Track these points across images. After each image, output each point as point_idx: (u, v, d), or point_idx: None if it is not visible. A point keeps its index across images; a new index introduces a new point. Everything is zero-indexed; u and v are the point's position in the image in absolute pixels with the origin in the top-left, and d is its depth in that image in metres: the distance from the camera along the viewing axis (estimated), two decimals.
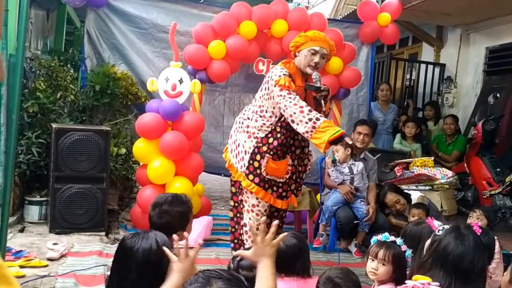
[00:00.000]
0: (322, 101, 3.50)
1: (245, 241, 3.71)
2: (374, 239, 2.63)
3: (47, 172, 4.74)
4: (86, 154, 4.54)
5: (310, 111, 3.29)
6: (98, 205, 4.60)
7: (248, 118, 3.66)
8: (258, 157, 3.54)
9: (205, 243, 4.64)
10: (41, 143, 4.75)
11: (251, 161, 3.55)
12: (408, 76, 8.72)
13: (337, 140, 3.26)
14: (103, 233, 4.60)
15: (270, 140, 3.53)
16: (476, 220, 3.78)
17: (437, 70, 8.01)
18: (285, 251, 2.49)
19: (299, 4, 10.36)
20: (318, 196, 5.26)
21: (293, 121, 3.32)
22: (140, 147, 4.81)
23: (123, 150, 5.14)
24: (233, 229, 3.98)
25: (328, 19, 5.79)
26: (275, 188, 3.61)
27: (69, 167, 4.51)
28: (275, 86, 3.40)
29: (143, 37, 5.52)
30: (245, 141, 3.61)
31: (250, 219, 3.64)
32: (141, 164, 5.04)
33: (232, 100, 5.80)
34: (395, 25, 5.89)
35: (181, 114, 4.73)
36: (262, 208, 3.65)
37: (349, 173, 4.81)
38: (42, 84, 4.94)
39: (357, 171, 4.82)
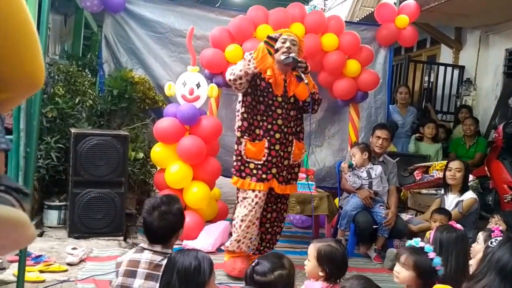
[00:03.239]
0: (303, 76, 3.69)
1: (232, 232, 3.88)
2: (408, 242, 2.63)
3: (65, 177, 4.76)
4: (104, 159, 4.56)
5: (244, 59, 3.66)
6: (116, 209, 4.61)
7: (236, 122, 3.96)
8: (239, 147, 3.80)
9: (222, 247, 4.62)
10: (60, 148, 4.77)
11: (236, 156, 3.84)
12: (426, 79, 8.63)
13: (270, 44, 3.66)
14: (122, 238, 4.61)
15: (240, 123, 3.80)
16: (494, 225, 3.72)
17: (456, 72, 7.91)
18: (339, 255, 2.53)
19: (315, 6, 10.32)
20: (337, 200, 5.22)
21: (240, 77, 3.63)
22: (158, 152, 4.81)
23: (141, 155, 5.15)
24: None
25: (345, 22, 5.76)
26: (254, 171, 3.78)
27: (88, 171, 4.53)
28: None
29: (160, 41, 5.54)
30: (234, 143, 3.90)
31: (239, 212, 3.80)
32: (158, 168, 5.05)
33: None
34: (413, 27, 5.83)
35: (198, 118, 4.73)
36: (251, 200, 3.76)
37: (367, 177, 4.76)
38: (61, 89, 4.97)
39: (376, 175, 4.76)
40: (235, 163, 3.87)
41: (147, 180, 5.52)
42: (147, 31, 5.51)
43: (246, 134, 3.78)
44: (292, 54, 3.69)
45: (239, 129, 3.82)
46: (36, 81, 1.07)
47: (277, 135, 3.77)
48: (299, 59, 3.70)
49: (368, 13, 7.62)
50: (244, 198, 3.80)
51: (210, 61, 5.11)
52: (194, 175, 4.75)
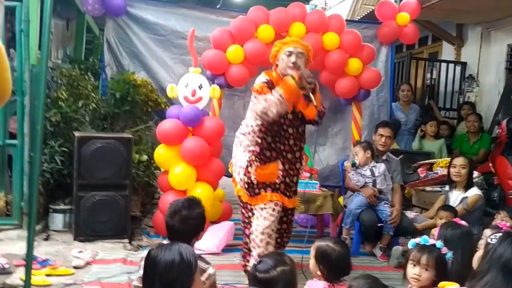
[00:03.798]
0: (311, 95, 3.48)
1: (251, 249, 3.59)
2: (412, 242, 2.58)
3: (70, 180, 4.78)
4: (108, 162, 4.57)
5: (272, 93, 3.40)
6: (121, 212, 4.62)
7: (242, 134, 3.64)
8: (250, 169, 3.52)
9: (227, 248, 4.63)
10: (64, 152, 4.79)
11: (245, 175, 3.54)
12: (428, 76, 8.62)
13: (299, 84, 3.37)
14: (127, 240, 4.62)
15: (254, 147, 3.53)
16: (500, 221, 3.71)
17: (458, 68, 7.90)
18: (335, 256, 2.53)
19: (316, 6, 10.33)
20: (341, 199, 5.22)
21: (266, 114, 3.36)
22: (161, 154, 4.83)
23: (145, 157, 5.17)
24: (244, 238, 3.82)
25: (346, 21, 5.75)
26: (266, 186, 3.56)
27: (92, 175, 4.55)
28: (252, 94, 3.51)
29: (161, 44, 5.56)
30: (240, 155, 3.60)
31: (257, 225, 3.53)
32: (162, 170, 5.06)
33: None
34: (414, 24, 5.82)
35: (201, 119, 4.74)
36: (271, 209, 3.54)
37: (371, 176, 4.75)
38: (64, 93, 5.00)
39: (379, 173, 4.76)
40: (246, 186, 3.56)
41: (151, 182, 5.54)
42: (149, 34, 5.53)
43: (258, 160, 3.52)
44: (293, 72, 3.45)
45: (251, 152, 3.53)
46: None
47: (289, 155, 3.60)
48: (308, 80, 3.44)
49: (369, 11, 7.62)
50: (262, 209, 3.54)
51: (211, 62, 5.12)
52: (197, 176, 4.76)
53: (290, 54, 3.51)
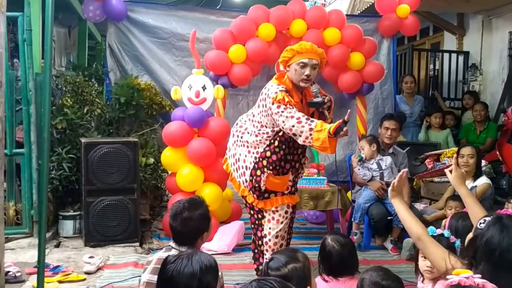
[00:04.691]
0: (326, 112, 3.36)
1: (265, 252, 3.55)
2: None
3: (78, 186, 4.80)
4: (115, 166, 4.60)
5: (307, 119, 3.15)
6: (130, 216, 4.64)
7: (248, 133, 3.50)
8: (258, 172, 3.42)
9: (238, 248, 4.64)
10: (72, 158, 4.82)
11: (251, 177, 3.46)
12: (431, 67, 8.59)
13: (338, 131, 3.03)
14: (137, 244, 4.64)
15: (268, 154, 3.40)
16: (511, 210, 3.68)
17: (461, 58, 7.87)
18: (340, 251, 2.52)
19: (315, 2, 10.29)
20: (349, 193, 5.22)
21: (294, 134, 3.18)
22: (168, 156, 4.84)
23: (151, 160, 5.18)
24: (253, 238, 3.78)
25: (347, 15, 5.76)
26: (277, 193, 3.49)
27: (100, 180, 4.57)
28: (272, 104, 3.23)
29: (163, 46, 5.58)
30: (245, 156, 3.49)
31: (270, 228, 3.49)
32: (169, 172, 5.08)
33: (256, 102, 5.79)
34: (415, 16, 5.81)
35: (206, 120, 4.75)
36: (282, 211, 3.50)
37: (378, 169, 4.75)
38: (69, 100, 5.02)
39: (386, 166, 4.76)
40: (254, 189, 3.46)
41: (159, 184, 5.56)
42: (150, 37, 5.55)
43: (272, 168, 3.40)
44: (315, 89, 3.35)
45: (267, 160, 3.39)
46: None
47: (297, 165, 3.55)
48: (325, 100, 3.32)
49: (368, 5, 7.59)
50: (275, 212, 3.49)
51: (214, 62, 5.13)
52: (205, 176, 4.77)
53: (304, 65, 3.26)
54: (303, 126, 3.09)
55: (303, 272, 2.11)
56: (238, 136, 3.57)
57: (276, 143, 3.36)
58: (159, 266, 2.17)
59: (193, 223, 2.60)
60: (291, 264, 2.12)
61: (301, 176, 3.81)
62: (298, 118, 3.13)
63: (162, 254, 2.53)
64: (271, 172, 3.38)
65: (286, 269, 2.10)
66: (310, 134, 3.06)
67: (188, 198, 2.81)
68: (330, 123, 3.24)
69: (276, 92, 3.23)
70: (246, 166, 3.47)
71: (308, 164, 3.84)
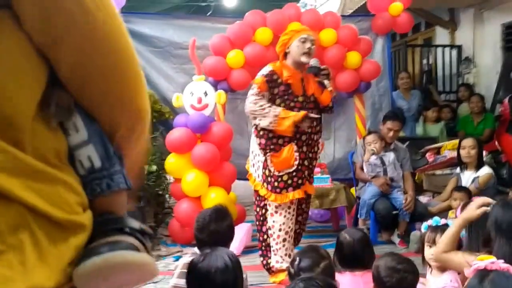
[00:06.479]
0: (326, 82, 3.59)
1: (272, 245, 3.63)
2: (425, 225, 2.62)
3: None
4: None
5: (270, 107, 3.45)
6: None
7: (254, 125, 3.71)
8: (267, 164, 3.57)
9: (246, 250, 4.68)
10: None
11: (263, 170, 3.60)
12: (425, 61, 8.67)
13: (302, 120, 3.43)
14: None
15: (258, 140, 3.60)
16: None
17: (454, 52, 7.95)
18: (353, 245, 2.54)
19: (305, 4, 10.37)
20: (353, 190, 5.27)
21: (255, 118, 3.47)
22: (172, 162, 4.88)
23: (154, 167, 5.21)
24: (258, 236, 3.87)
25: (341, 16, 5.81)
26: (289, 182, 3.56)
27: None
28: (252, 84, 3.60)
29: (161, 55, 5.61)
30: (258, 150, 3.63)
31: (274, 221, 3.59)
32: (173, 179, 5.11)
33: None
34: (408, 13, 5.87)
35: (209, 125, 4.80)
36: (287, 207, 3.60)
37: (381, 165, 4.80)
38: None
39: (389, 161, 4.81)
40: (268, 179, 3.59)
41: (161, 192, 5.57)
42: (147, 47, 5.58)
43: (268, 149, 3.56)
44: (314, 62, 3.56)
45: (260, 147, 3.60)
46: (143, 113, 1.09)
47: (303, 137, 3.60)
48: (322, 67, 3.57)
49: (360, 5, 7.67)
50: (277, 206, 3.60)
51: (213, 68, 5.18)
52: (210, 181, 4.81)
53: (305, 40, 3.54)
54: (266, 112, 3.41)
55: (331, 269, 2.14)
56: (252, 132, 3.74)
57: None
58: (185, 271, 2.20)
59: (221, 236, 2.59)
60: (322, 263, 2.14)
61: (316, 159, 3.87)
62: (262, 105, 3.44)
63: (188, 259, 2.51)
64: (269, 153, 3.55)
65: (319, 268, 2.12)
66: (275, 120, 3.41)
67: (213, 209, 2.76)
68: (331, 92, 3.62)
69: (257, 77, 3.56)
70: (259, 160, 3.63)
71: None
